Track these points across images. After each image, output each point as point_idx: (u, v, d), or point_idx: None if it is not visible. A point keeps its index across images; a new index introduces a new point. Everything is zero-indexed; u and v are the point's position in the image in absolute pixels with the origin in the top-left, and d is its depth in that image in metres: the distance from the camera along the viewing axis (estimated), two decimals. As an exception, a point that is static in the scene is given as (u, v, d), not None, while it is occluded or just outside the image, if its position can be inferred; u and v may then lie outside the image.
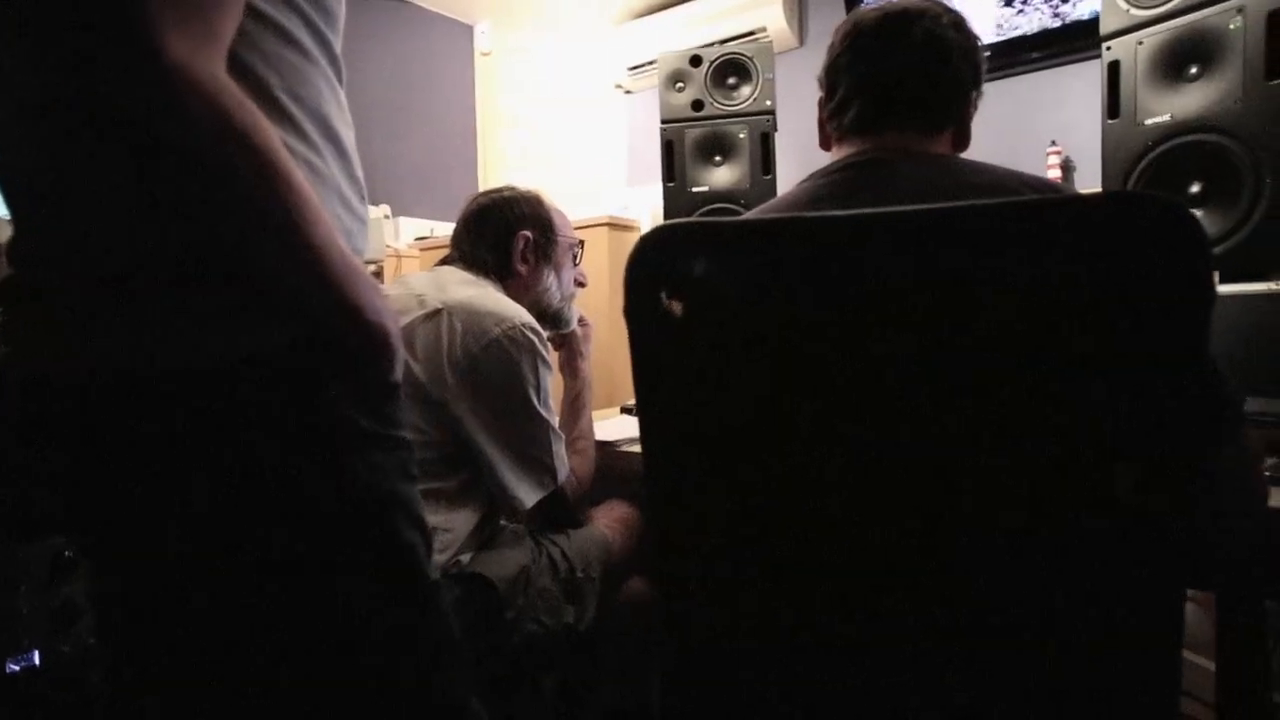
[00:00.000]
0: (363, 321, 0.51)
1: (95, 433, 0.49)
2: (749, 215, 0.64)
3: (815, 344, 0.61)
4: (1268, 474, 0.94)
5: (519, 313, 1.13)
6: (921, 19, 0.83)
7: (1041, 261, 0.55)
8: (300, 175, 0.47)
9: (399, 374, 0.58)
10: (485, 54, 3.96)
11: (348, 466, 0.53)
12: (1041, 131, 2.60)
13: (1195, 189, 1.55)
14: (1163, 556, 0.61)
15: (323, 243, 0.48)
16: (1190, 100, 1.51)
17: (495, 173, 3.97)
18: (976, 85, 0.86)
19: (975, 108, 0.87)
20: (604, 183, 3.72)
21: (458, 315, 1.10)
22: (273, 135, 0.46)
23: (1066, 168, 2.47)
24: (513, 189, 1.33)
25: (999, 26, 2.66)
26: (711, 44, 2.27)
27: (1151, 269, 0.53)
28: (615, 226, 2.37)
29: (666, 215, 2.34)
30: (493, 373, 1.09)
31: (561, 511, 1.18)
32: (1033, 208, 0.55)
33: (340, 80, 0.66)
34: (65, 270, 0.48)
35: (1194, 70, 1.52)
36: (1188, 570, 0.72)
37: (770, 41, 2.47)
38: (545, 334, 1.20)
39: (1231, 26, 1.43)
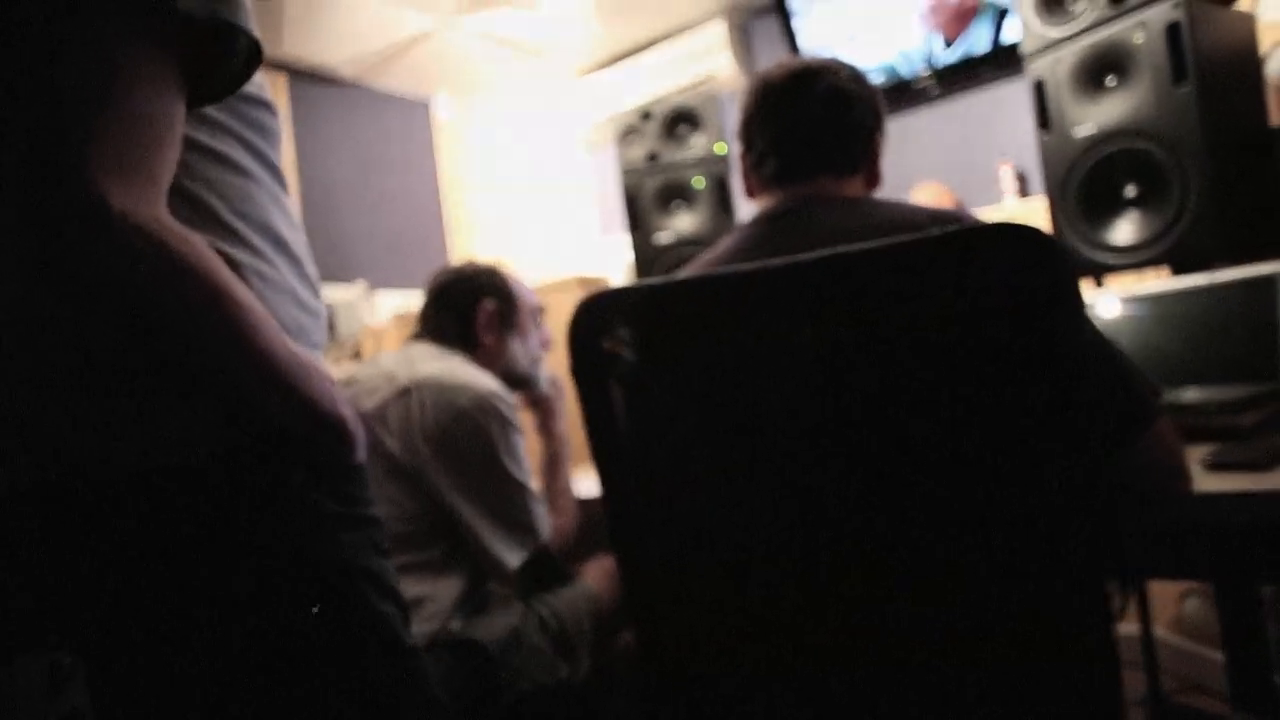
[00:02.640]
0: (318, 414, 0.59)
1: (64, 538, 0.55)
2: (665, 278, 0.72)
3: (732, 391, 0.69)
4: (1209, 460, 1.01)
5: (486, 383, 1.21)
6: (823, 75, 0.93)
7: (924, 293, 0.63)
8: (244, 290, 0.55)
9: (361, 456, 0.65)
10: (447, 123, 4.11)
11: (316, 548, 0.60)
12: (998, 145, 2.73)
13: (1131, 192, 1.65)
14: (1079, 550, 0.67)
15: (271, 348, 0.56)
16: (1113, 109, 1.62)
17: (468, 237, 4.09)
18: (879, 129, 0.96)
19: (882, 149, 0.97)
20: (578, 236, 3.84)
21: (427, 390, 1.18)
22: (214, 262, 0.54)
23: (1021, 179, 2.59)
24: (472, 263, 1.42)
25: (950, 47, 2.81)
26: (670, 92, 2.40)
27: (1021, 291, 0.60)
28: (585, 282, 2.46)
29: (636, 264, 2.43)
30: (465, 443, 1.16)
31: (547, 570, 1.25)
32: (910, 247, 0.62)
33: (283, 188, 0.74)
34: (20, 390, 0.55)
35: (1112, 81, 1.63)
36: (1107, 560, 0.80)
37: (715, 90, 2.59)
38: (518, 396, 1.27)
39: (1137, 40, 1.54)
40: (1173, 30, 1.50)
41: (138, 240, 0.50)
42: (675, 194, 2.36)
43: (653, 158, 2.38)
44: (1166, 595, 2.00)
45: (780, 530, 0.70)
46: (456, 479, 1.15)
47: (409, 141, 3.99)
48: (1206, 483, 0.95)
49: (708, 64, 3.30)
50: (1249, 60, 1.58)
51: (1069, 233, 1.73)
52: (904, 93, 2.93)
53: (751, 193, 0.99)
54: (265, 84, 0.73)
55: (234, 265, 0.65)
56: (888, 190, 2.97)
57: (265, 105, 0.72)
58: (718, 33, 3.32)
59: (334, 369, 2.41)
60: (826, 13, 2.99)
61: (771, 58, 3.20)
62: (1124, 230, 1.66)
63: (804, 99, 0.93)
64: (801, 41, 3.04)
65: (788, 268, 0.65)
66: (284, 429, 0.59)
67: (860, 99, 0.94)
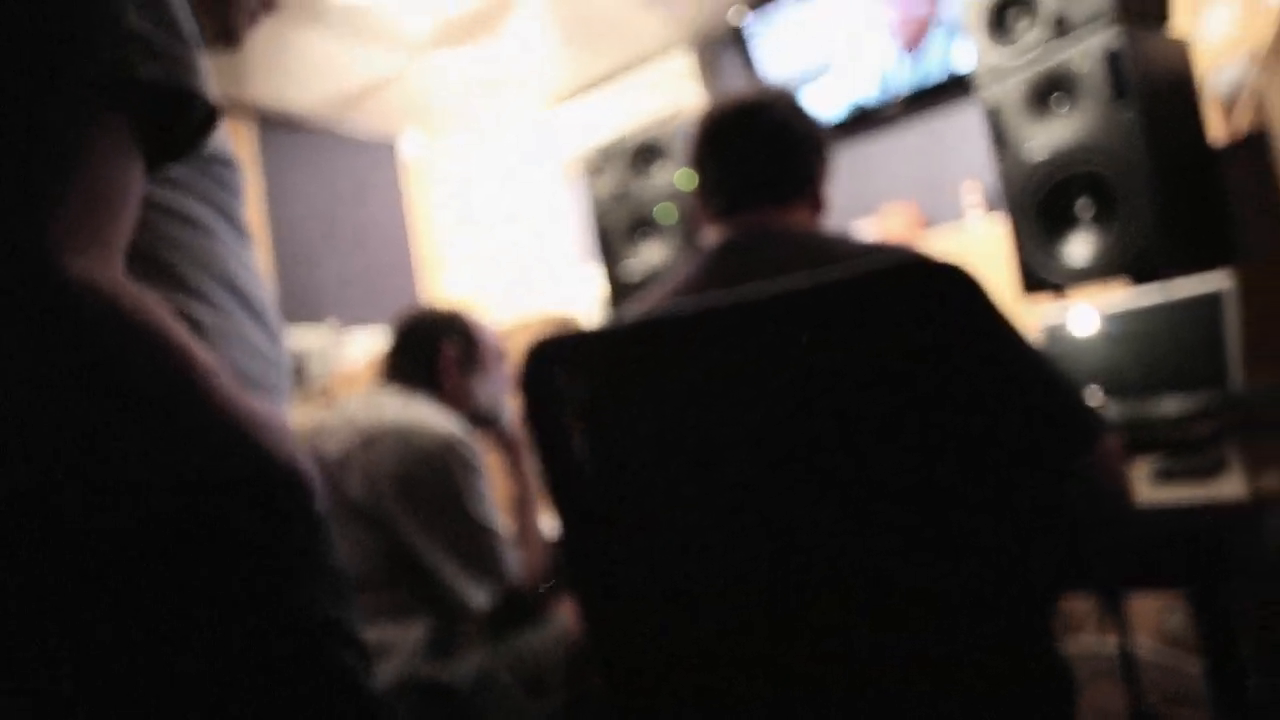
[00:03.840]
0: (274, 466, 0.62)
1: (14, 589, 0.57)
2: (609, 322, 0.76)
3: (681, 428, 0.72)
4: (1160, 470, 1.06)
5: (449, 427, 1.24)
6: (766, 109, 0.99)
7: (850, 328, 0.67)
8: (200, 350, 0.58)
9: (319, 505, 0.68)
10: (415, 160, 4.16)
11: (275, 599, 0.63)
12: (963, 165, 2.81)
13: (1085, 210, 1.72)
14: (1025, 570, 0.71)
15: (227, 405, 0.58)
16: (1063, 132, 1.69)
17: (440, 273, 4.13)
18: (822, 158, 1.01)
19: (825, 177, 1.02)
20: (550, 268, 3.88)
21: (391, 436, 1.21)
22: (169, 323, 0.57)
23: (987, 197, 2.66)
24: (433, 306, 1.46)
25: (910, 54, 2.90)
26: (640, 122, 2.45)
27: (942, 324, 0.65)
28: (558, 320, 2.50)
29: (611, 296, 2.48)
30: (429, 487, 1.19)
31: (518, 610, 1.27)
32: (834, 285, 0.67)
33: (246, 241, 0.77)
34: None
35: (1060, 105, 1.70)
36: (1063, 577, 0.83)
37: (683, 122, 2.66)
38: (485, 438, 1.30)
39: (1081, 66, 1.62)
40: (1113, 57, 1.57)
41: (95, 305, 0.53)
42: (645, 226, 2.41)
43: (622, 191, 2.43)
44: (1152, 607, 2.04)
45: (737, 562, 0.73)
46: (421, 523, 1.18)
47: (378, 180, 4.04)
48: (1157, 493, 0.99)
49: (676, 94, 3.38)
50: (1185, 83, 1.66)
51: (1029, 251, 1.79)
52: (869, 118, 3.02)
53: (699, 223, 1.04)
54: (228, 141, 0.77)
55: (194, 324, 0.68)
56: (858, 211, 3.05)
57: (227, 162, 0.75)
58: (685, 64, 3.41)
59: (303, 415, 2.43)
60: (788, 44, 3.08)
61: (739, 88, 3.28)
62: (1080, 247, 1.72)
63: (748, 133, 0.98)
64: (765, 71, 3.13)
65: (726, 308, 0.69)
66: (240, 483, 0.61)
67: (802, 130, 0.99)
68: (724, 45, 3.29)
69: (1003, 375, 0.65)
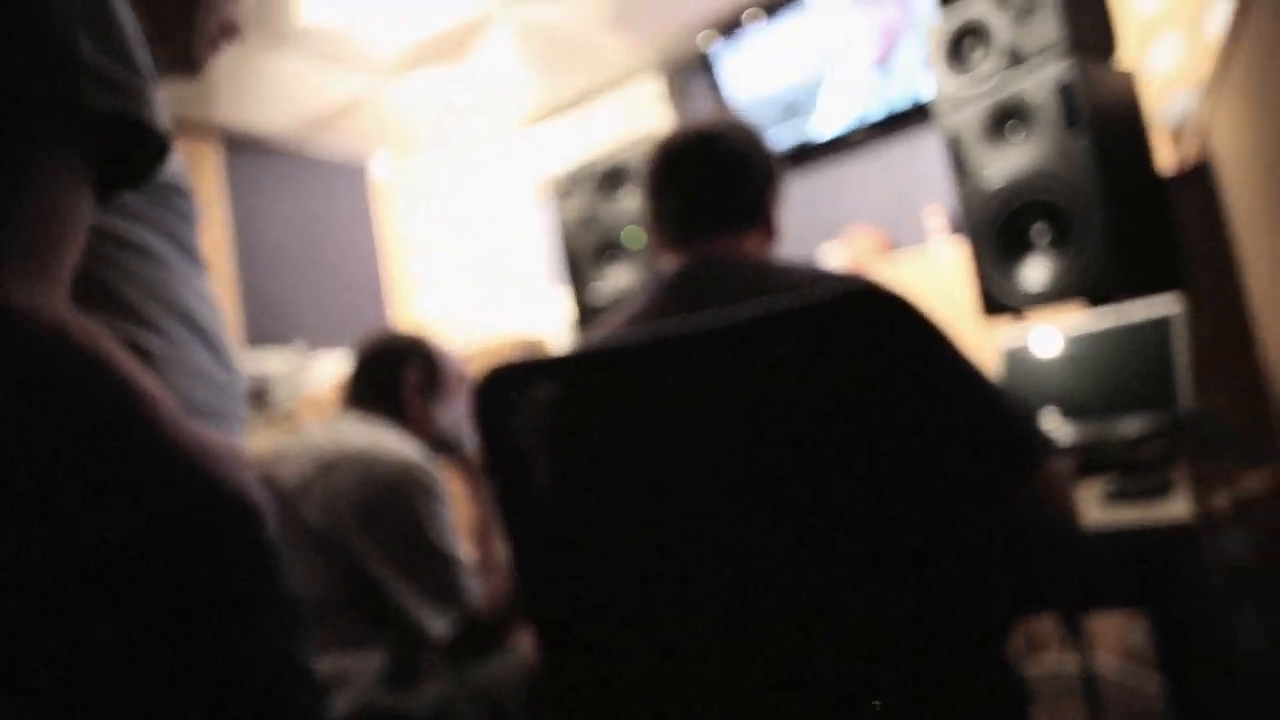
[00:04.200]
0: (223, 496, 0.62)
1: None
2: (562, 351, 0.77)
3: (631, 456, 0.73)
4: (1111, 492, 1.08)
5: (410, 453, 1.24)
6: (721, 138, 1.01)
7: (795, 357, 0.69)
8: (148, 380, 0.58)
9: (271, 533, 0.68)
10: (386, 182, 4.16)
11: (223, 631, 0.62)
12: (927, 189, 2.87)
13: (1041, 235, 1.76)
14: (975, 586, 0.72)
15: (174, 435, 0.59)
16: (1019, 160, 1.74)
17: (410, 295, 4.12)
18: (774, 185, 1.03)
19: (777, 203, 1.04)
20: (521, 290, 3.89)
21: (351, 463, 1.21)
22: (117, 354, 0.57)
23: (951, 223, 2.72)
24: (395, 331, 1.46)
25: (882, 99, 2.96)
26: (610, 146, 2.47)
27: (884, 351, 0.66)
28: (524, 345, 2.51)
29: (579, 318, 2.49)
30: (389, 514, 1.19)
31: (477, 637, 1.26)
32: (778, 315, 0.68)
33: (200, 269, 0.78)
34: None
35: (1017, 134, 1.75)
36: (1006, 597, 0.85)
37: (649, 148, 2.69)
38: (447, 461, 1.30)
39: (1035, 97, 1.67)
40: (1065, 88, 1.63)
41: (38, 334, 0.53)
42: (612, 249, 2.43)
43: (589, 215, 2.45)
44: (1115, 625, 2.07)
45: (691, 590, 0.74)
46: (381, 550, 1.17)
47: (348, 202, 4.03)
48: (1108, 514, 1.02)
49: (646, 118, 3.42)
50: (1134, 114, 1.72)
51: (988, 274, 1.83)
52: (836, 143, 3.07)
53: (657, 251, 1.05)
54: (183, 169, 0.77)
55: (143, 352, 0.68)
56: (825, 234, 3.08)
57: (182, 191, 0.76)
58: (655, 88, 3.45)
59: (268, 439, 2.40)
60: (756, 70, 3.14)
61: (709, 113, 3.33)
62: (1037, 271, 1.77)
63: (703, 161, 1.00)
64: (733, 96, 3.18)
65: (675, 338, 0.70)
66: (188, 513, 0.61)
67: (755, 159, 1.01)
68: (693, 70, 3.34)
69: (947, 402, 0.66)
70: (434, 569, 1.21)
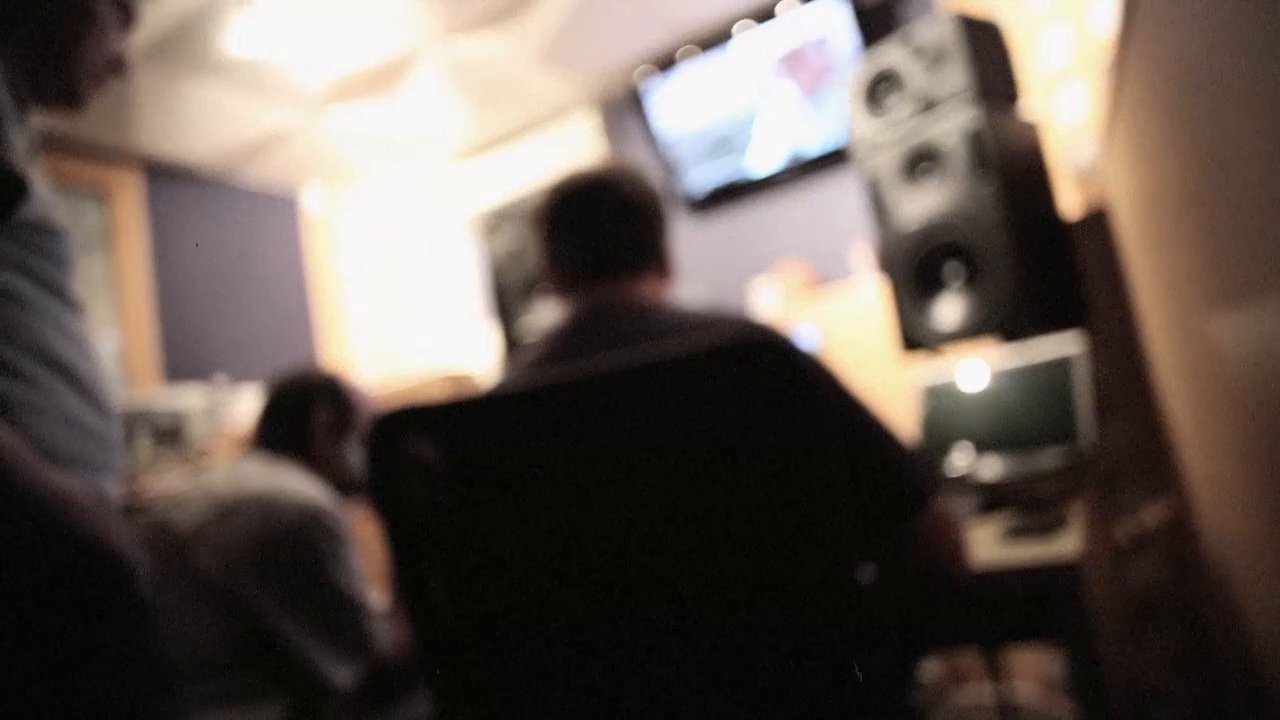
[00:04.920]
0: (86, 549, 0.60)
1: None
2: (453, 396, 0.76)
3: (522, 503, 0.73)
4: (1009, 529, 1.12)
5: (313, 496, 1.21)
6: (610, 184, 1.02)
7: (680, 401, 0.70)
8: (5, 435, 0.57)
9: (143, 588, 0.65)
10: (316, 214, 4.10)
11: (89, 694, 0.60)
12: (853, 225, 2.95)
13: (955, 275, 1.83)
14: (852, 627, 0.73)
15: (30, 487, 0.57)
16: (933, 203, 1.81)
17: (339, 329, 4.05)
18: (664, 227, 1.05)
19: (669, 244, 1.06)
20: (453, 324, 3.85)
21: (250, 506, 1.18)
22: None
23: (876, 259, 2.80)
24: (305, 369, 1.43)
25: (813, 137, 3.05)
26: (543, 182, 2.48)
27: (767, 395, 0.68)
28: (452, 380, 2.49)
29: (507, 354, 2.48)
30: (290, 560, 1.16)
31: (384, 686, 1.23)
32: (661, 360, 0.69)
33: (73, 311, 0.75)
34: None
35: (930, 178, 1.82)
36: (883, 633, 0.86)
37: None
38: (358, 502, 1.27)
39: (946, 143, 1.75)
40: (974, 135, 1.70)
41: None
42: (541, 284, 2.43)
43: (518, 250, 2.46)
44: (1035, 656, 2.12)
45: (581, 639, 0.74)
46: (280, 597, 1.14)
47: (276, 233, 3.96)
48: (1005, 551, 1.05)
49: (580, 154, 3.46)
50: (1038, 160, 1.80)
51: (905, 312, 1.89)
52: (767, 180, 3.15)
53: (555, 294, 1.05)
54: (53, 208, 0.75)
55: None
56: (755, 268, 3.14)
57: (50, 231, 0.74)
58: (590, 123, 3.49)
59: (178, 479, 2.32)
60: (690, 106, 3.20)
61: (643, 150, 3.38)
62: (951, 309, 1.83)
63: (595, 206, 1.01)
64: (667, 133, 3.23)
65: (559, 385, 0.71)
66: (48, 567, 0.59)
67: (645, 201, 1.02)
68: (627, 106, 3.39)
69: (829, 447, 0.68)
70: (337, 616, 1.18)
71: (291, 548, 1.17)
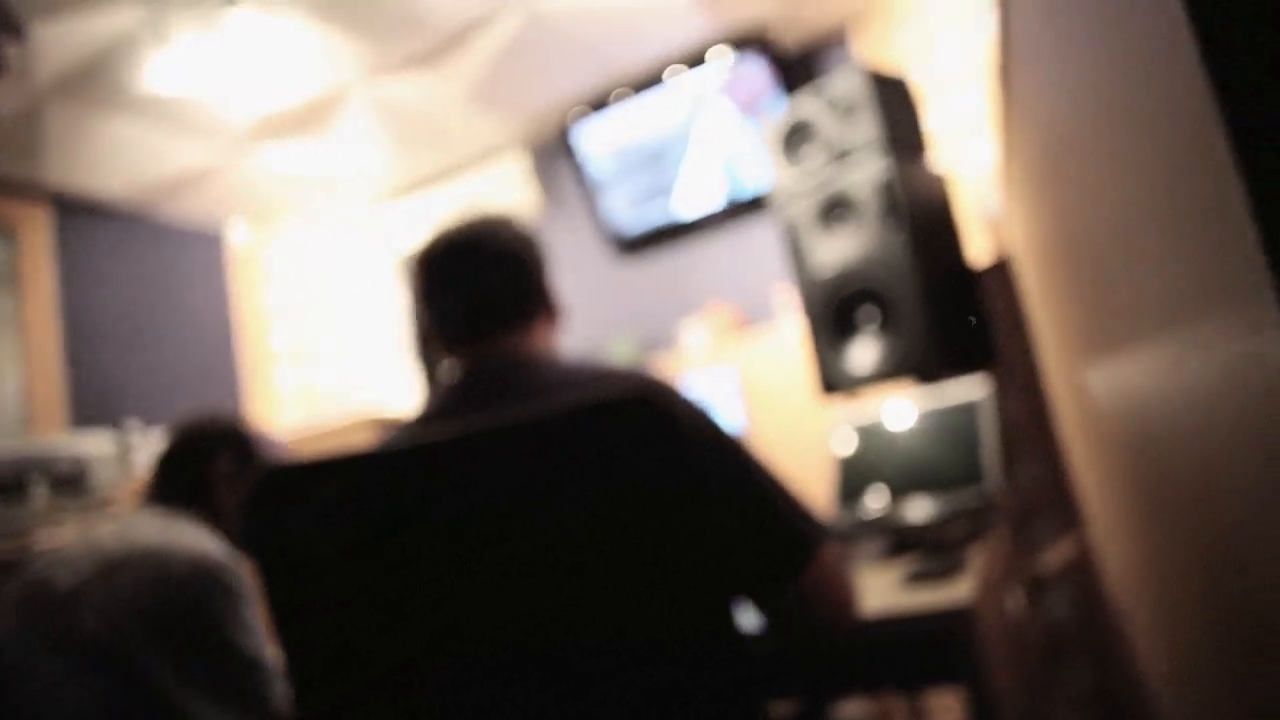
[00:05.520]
0: None
1: None
2: (332, 454, 0.75)
3: (404, 562, 0.72)
4: (910, 574, 1.14)
5: (210, 549, 1.17)
6: (481, 241, 0.99)
7: (559, 460, 0.70)
8: None
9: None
10: (242, 251, 4.02)
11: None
12: (777, 268, 3.02)
13: (870, 320, 1.88)
14: (739, 676, 0.73)
15: None
16: (848, 249, 1.86)
17: (264, 368, 3.95)
18: (543, 270, 1.03)
19: (551, 289, 1.04)
20: (382, 365, 3.79)
21: (139, 562, 1.12)
22: None
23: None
24: (206, 416, 1.38)
25: (742, 181, 3.12)
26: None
27: (645, 457, 0.68)
28: (377, 423, 2.44)
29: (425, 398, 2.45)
30: (183, 618, 1.11)
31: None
32: (538, 420, 0.69)
33: None
34: None
35: (844, 223, 1.88)
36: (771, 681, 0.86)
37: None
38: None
39: (859, 193, 1.81)
40: (885, 185, 1.77)
41: None
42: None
43: (443, 291, 2.44)
44: (956, 699, 2.15)
45: (459, 699, 0.73)
46: (170, 658, 1.09)
47: (199, 271, 3.85)
48: (904, 597, 1.07)
49: (510, 195, 3.46)
50: (946, 210, 1.88)
51: (823, 355, 1.93)
52: (696, 222, 3.20)
53: (441, 353, 1.03)
54: None
55: None
56: (683, 309, 3.16)
57: None
58: (520, 164, 3.51)
59: (73, 532, 2.21)
60: (621, 149, 3.25)
61: (574, 191, 3.41)
62: (865, 353, 1.87)
63: (473, 262, 0.98)
64: (597, 175, 3.27)
65: (439, 444, 0.71)
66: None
67: (523, 247, 1.01)
68: (558, 147, 3.42)
69: (701, 502, 0.68)
70: (233, 675, 1.13)
71: (184, 606, 1.12)
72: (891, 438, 1.72)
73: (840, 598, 0.84)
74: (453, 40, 2.71)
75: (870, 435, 1.75)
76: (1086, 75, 0.66)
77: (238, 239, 4.01)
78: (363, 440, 2.40)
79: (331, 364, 3.93)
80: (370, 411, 2.58)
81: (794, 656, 0.88)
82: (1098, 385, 0.93)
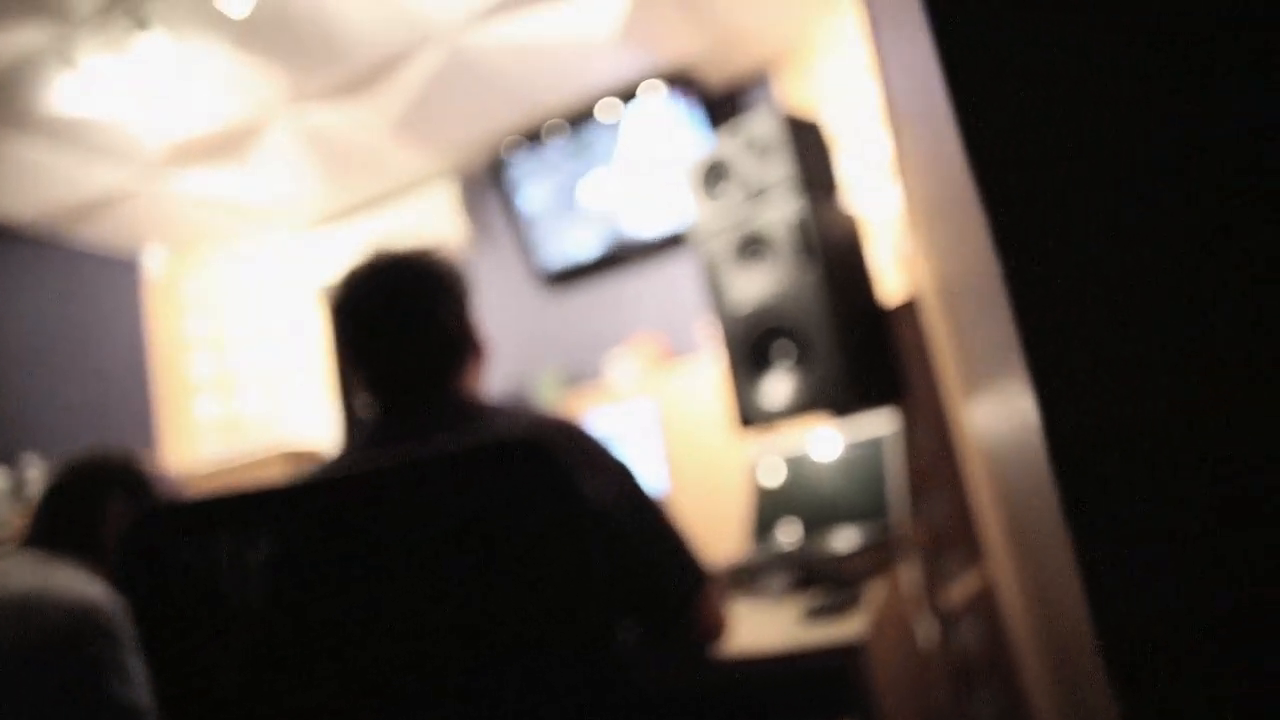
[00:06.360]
0: None
1: None
2: (222, 490, 0.74)
3: (280, 601, 0.71)
4: (809, 610, 1.16)
5: (89, 594, 1.12)
6: (408, 286, 0.96)
7: (447, 504, 0.70)
8: None
9: None
10: (159, 279, 3.90)
11: None
12: (700, 302, 3.06)
13: (786, 355, 1.92)
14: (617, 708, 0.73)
15: None
16: (763, 284, 1.90)
17: (181, 399, 3.82)
18: (465, 309, 1.01)
19: (474, 326, 1.02)
20: (303, 397, 3.71)
21: (12, 608, 1.07)
22: None
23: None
24: (96, 454, 1.33)
25: (670, 215, 3.16)
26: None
27: (530, 501, 0.69)
28: (294, 457, 2.38)
29: (348, 430, 2.40)
30: (60, 668, 1.06)
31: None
32: (429, 463, 0.69)
33: None
34: None
35: (760, 260, 1.92)
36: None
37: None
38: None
39: (772, 229, 1.86)
40: (799, 223, 1.82)
41: None
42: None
43: (364, 322, 2.41)
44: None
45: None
46: (43, 711, 1.04)
47: (113, 299, 3.73)
48: (802, 633, 1.08)
49: (438, 226, 3.45)
50: (857, 250, 1.94)
51: (741, 389, 1.96)
52: (622, 255, 3.23)
53: (360, 389, 1.01)
54: None
55: None
56: (612, 341, 3.17)
57: None
58: (447, 195, 3.50)
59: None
60: (550, 181, 3.27)
61: (502, 223, 3.41)
62: (781, 387, 1.91)
63: (394, 316, 0.96)
64: (525, 206, 3.29)
65: (328, 481, 0.70)
66: None
67: (446, 296, 0.98)
68: (487, 178, 3.43)
69: (590, 540, 0.69)
70: (110, 729, 1.08)
71: (60, 655, 1.07)
72: (807, 472, 1.75)
73: (719, 626, 0.88)
74: (375, 72, 2.70)
75: (787, 469, 1.78)
76: (920, 141, 0.70)
77: (155, 266, 3.89)
78: (279, 474, 2.34)
79: (253, 395, 3.83)
80: (289, 444, 2.52)
81: (686, 692, 0.89)
82: (970, 422, 0.97)
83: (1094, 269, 0.30)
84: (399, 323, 0.95)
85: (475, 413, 0.92)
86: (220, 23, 2.23)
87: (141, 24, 2.06)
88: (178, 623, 0.74)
